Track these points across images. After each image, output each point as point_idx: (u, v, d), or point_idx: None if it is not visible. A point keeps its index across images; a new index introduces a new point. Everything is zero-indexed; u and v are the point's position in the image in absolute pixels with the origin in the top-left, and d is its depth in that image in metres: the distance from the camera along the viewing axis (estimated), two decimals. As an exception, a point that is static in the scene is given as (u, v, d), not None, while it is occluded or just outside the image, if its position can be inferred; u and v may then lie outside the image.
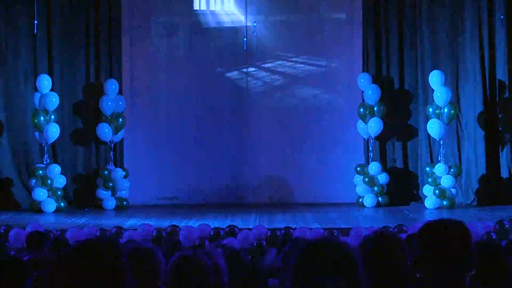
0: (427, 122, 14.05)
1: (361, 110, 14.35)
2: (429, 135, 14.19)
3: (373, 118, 14.29)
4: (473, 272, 2.84)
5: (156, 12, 15.30)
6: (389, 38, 14.74)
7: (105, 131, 14.21)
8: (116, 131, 14.36)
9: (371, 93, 14.28)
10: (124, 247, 3.46)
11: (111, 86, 14.28)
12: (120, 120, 14.36)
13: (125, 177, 14.40)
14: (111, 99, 14.23)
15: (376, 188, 14.26)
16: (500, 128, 14.42)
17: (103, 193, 14.20)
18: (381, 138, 14.62)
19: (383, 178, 14.30)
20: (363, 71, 14.67)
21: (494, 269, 3.64)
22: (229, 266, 4.60)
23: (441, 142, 14.06)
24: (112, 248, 2.14)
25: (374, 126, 14.27)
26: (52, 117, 13.96)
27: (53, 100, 13.91)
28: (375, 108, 14.31)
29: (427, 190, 13.94)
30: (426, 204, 13.88)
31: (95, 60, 14.74)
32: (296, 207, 14.13)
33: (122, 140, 14.76)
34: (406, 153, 14.80)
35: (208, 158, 15.13)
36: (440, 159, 14.03)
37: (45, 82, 13.93)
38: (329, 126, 15.15)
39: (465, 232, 2.86)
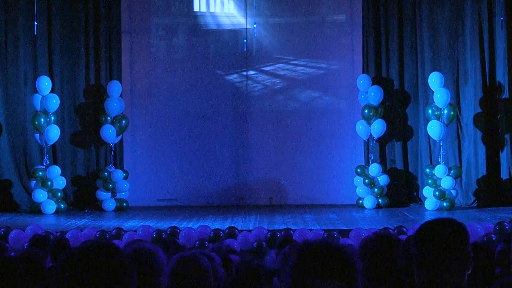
0: (427, 124, 14.06)
1: (366, 111, 14.33)
2: (429, 136, 14.20)
3: (377, 120, 14.31)
4: (470, 271, 2.84)
5: (155, 14, 15.32)
6: (389, 39, 14.76)
7: (109, 133, 14.24)
8: (119, 133, 14.40)
9: (374, 94, 14.29)
10: (126, 248, 3.47)
11: (114, 87, 14.31)
12: (124, 121, 14.40)
13: (125, 178, 14.41)
14: (115, 100, 14.27)
15: (376, 189, 14.27)
16: (499, 130, 14.44)
17: (103, 195, 14.21)
18: (381, 140, 14.63)
19: (383, 179, 14.31)
20: (363, 73, 14.69)
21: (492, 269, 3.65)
22: (234, 268, 4.63)
23: (441, 144, 14.08)
24: (114, 251, 2.15)
25: (377, 128, 14.29)
26: (52, 118, 13.99)
27: (54, 102, 13.94)
28: (379, 109, 14.34)
29: (427, 191, 13.94)
30: (426, 206, 13.89)
31: (94, 62, 14.76)
32: (296, 209, 14.14)
33: (122, 141, 14.78)
34: (406, 154, 14.81)
35: (208, 160, 15.15)
36: (440, 161, 14.04)
37: (45, 83, 13.95)
38: (329, 128, 15.17)
39: (462, 231, 2.85)
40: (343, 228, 11.06)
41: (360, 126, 14.44)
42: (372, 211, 14.02)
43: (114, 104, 14.27)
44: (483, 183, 14.32)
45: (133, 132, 15.06)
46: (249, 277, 4.59)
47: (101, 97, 14.43)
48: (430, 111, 13.99)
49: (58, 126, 14.04)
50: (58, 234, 9.83)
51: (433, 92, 13.96)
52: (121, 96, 14.54)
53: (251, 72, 15.27)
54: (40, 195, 13.73)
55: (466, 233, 2.86)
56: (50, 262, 6.34)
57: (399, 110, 14.79)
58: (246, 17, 14.94)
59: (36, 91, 14.03)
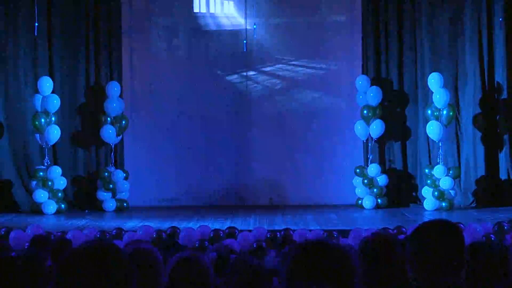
0: (426, 124, 14.09)
1: (365, 112, 14.35)
2: (428, 137, 14.23)
3: (376, 120, 14.34)
4: (464, 271, 2.84)
5: (156, 15, 15.34)
6: (389, 40, 14.77)
7: (109, 133, 14.27)
8: (119, 133, 14.43)
9: (373, 95, 14.31)
10: (126, 248, 3.48)
11: (113, 88, 14.34)
12: (123, 122, 14.44)
13: (125, 178, 14.44)
14: (114, 101, 14.30)
15: (375, 189, 14.30)
16: (498, 130, 14.46)
17: (103, 195, 14.24)
18: (380, 140, 14.66)
19: (382, 180, 14.34)
20: (362, 74, 14.71)
21: (490, 270, 3.64)
22: (233, 268, 4.65)
23: (440, 144, 14.10)
24: (113, 252, 2.15)
25: (376, 128, 14.31)
26: (53, 119, 14.02)
27: (54, 102, 13.97)
28: (378, 110, 14.37)
29: (426, 191, 13.97)
30: (425, 206, 13.91)
31: (95, 62, 14.77)
32: (296, 209, 14.15)
33: (122, 142, 14.80)
34: (405, 154, 14.82)
35: (208, 160, 15.17)
36: (439, 161, 14.07)
37: (46, 84, 13.98)
38: (329, 129, 15.19)
39: (457, 232, 2.86)
40: (342, 228, 11.03)
41: (359, 127, 14.46)
42: (371, 211, 14.06)
43: (114, 105, 14.30)
44: (482, 183, 14.34)
45: (134, 133, 15.07)
46: (248, 277, 4.60)
47: (101, 97, 14.44)
48: (429, 112, 14.01)
49: (58, 126, 14.08)
50: (59, 234, 9.84)
51: (432, 92, 13.99)
52: (121, 96, 14.57)
53: (251, 73, 15.29)
54: (41, 195, 13.75)
55: (461, 234, 2.87)
56: (51, 262, 6.36)
57: (398, 110, 14.82)
58: (246, 18, 14.95)
59: (37, 92, 14.06)
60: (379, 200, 14.28)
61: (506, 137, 14.40)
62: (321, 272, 2.24)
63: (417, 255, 2.81)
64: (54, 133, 13.95)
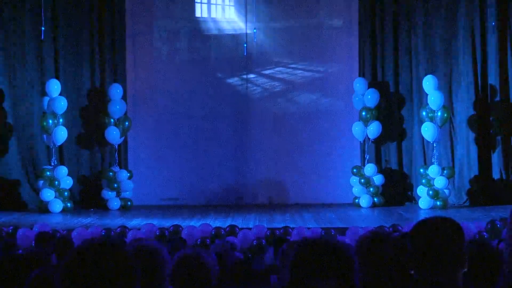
0: (421, 125, 14.27)
1: (363, 113, 14.54)
2: (423, 137, 14.42)
3: (374, 122, 14.54)
4: (466, 269, 2.84)
5: (159, 19, 15.48)
6: (385, 43, 14.92)
7: (113, 134, 14.49)
8: (122, 134, 14.64)
9: (370, 97, 14.47)
10: (130, 245, 3.66)
11: (116, 90, 14.52)
12: (126, 123, 14.64)
13: (129, 178, 14.62)
14: (117, 103, 14.52)
15: (371, 189, 14.48)
16: (491, 131, 14.63)
17: (108, 194, 14.43)
18: (377, 141, 14.82)
19: (378, 179, 14.51)
20: (359, 76, 14.88)
21: (486, 268, 3.64)
22: (228, 265, 4.85)
23: (435, 145, 14.27)
24: (118, 249, 2.16)
25: (373, 129, 14.50)
26: (61, 120, 14.21)
27: (62, 104, 14.14)
28: (375, 112, 14.58)
29: (421, 191, 14.14)
30: (420, 205, 14.09)
31: (99, 65, 14.94)
32: (295, 208, 14.33)
33: (126, 142, 14.97)
34: (400, 155, 14.98)
35: (209, 160, 15.32)
36: (434, 161, 14.24)
37: (54, 86, 14.16)
38: (327, 130, 15.32)
39: (457, 229, 2.86)
40: (340, 226, 11.15)
41: (357, 128, 14.63)
42: (368, 210, 14.20)
43: (117, 107, 14.49)
44: (475, 182, 14.54)
45: (137, 133, 15.20)
46: (243, 274, 4.79)
47: (105, 99, 14.64)
48: (424, 113, 14.18)
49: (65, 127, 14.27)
50: (64, 232, 10.00)
51: (427, 94, 14.14)
52: (125, 98, 14.71)
53: (251, 75, 15.45)
54: (48, 194, 13.94)
55: (461, 232, 2.85)
56: (56, 260, 6.55)
57: (394, 112, 14.97)
58: (246, 22, 15.10)
59: (44, 94, 14.24)
60: (375, 199, 14.46)
61: (499, 138, 14.59)
62: (323, 268, 2.30)
63: (417, 251, 2.81)
64: (61, 134, 14.13)
